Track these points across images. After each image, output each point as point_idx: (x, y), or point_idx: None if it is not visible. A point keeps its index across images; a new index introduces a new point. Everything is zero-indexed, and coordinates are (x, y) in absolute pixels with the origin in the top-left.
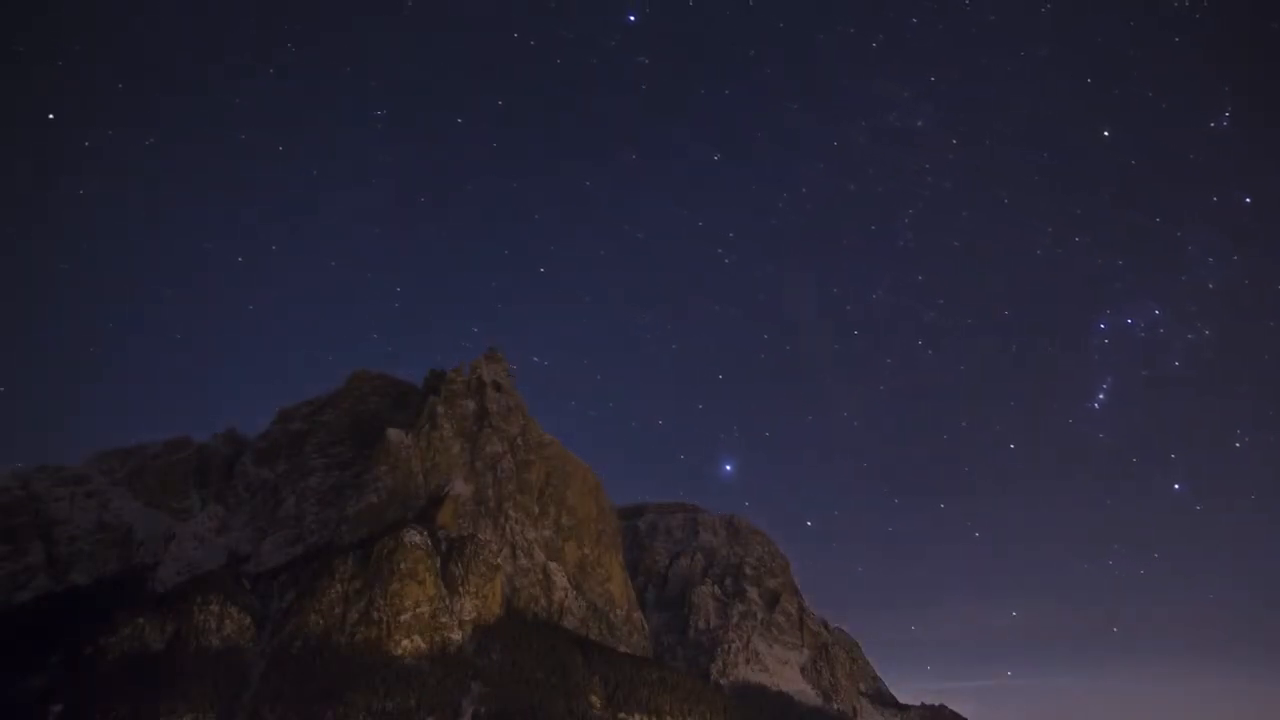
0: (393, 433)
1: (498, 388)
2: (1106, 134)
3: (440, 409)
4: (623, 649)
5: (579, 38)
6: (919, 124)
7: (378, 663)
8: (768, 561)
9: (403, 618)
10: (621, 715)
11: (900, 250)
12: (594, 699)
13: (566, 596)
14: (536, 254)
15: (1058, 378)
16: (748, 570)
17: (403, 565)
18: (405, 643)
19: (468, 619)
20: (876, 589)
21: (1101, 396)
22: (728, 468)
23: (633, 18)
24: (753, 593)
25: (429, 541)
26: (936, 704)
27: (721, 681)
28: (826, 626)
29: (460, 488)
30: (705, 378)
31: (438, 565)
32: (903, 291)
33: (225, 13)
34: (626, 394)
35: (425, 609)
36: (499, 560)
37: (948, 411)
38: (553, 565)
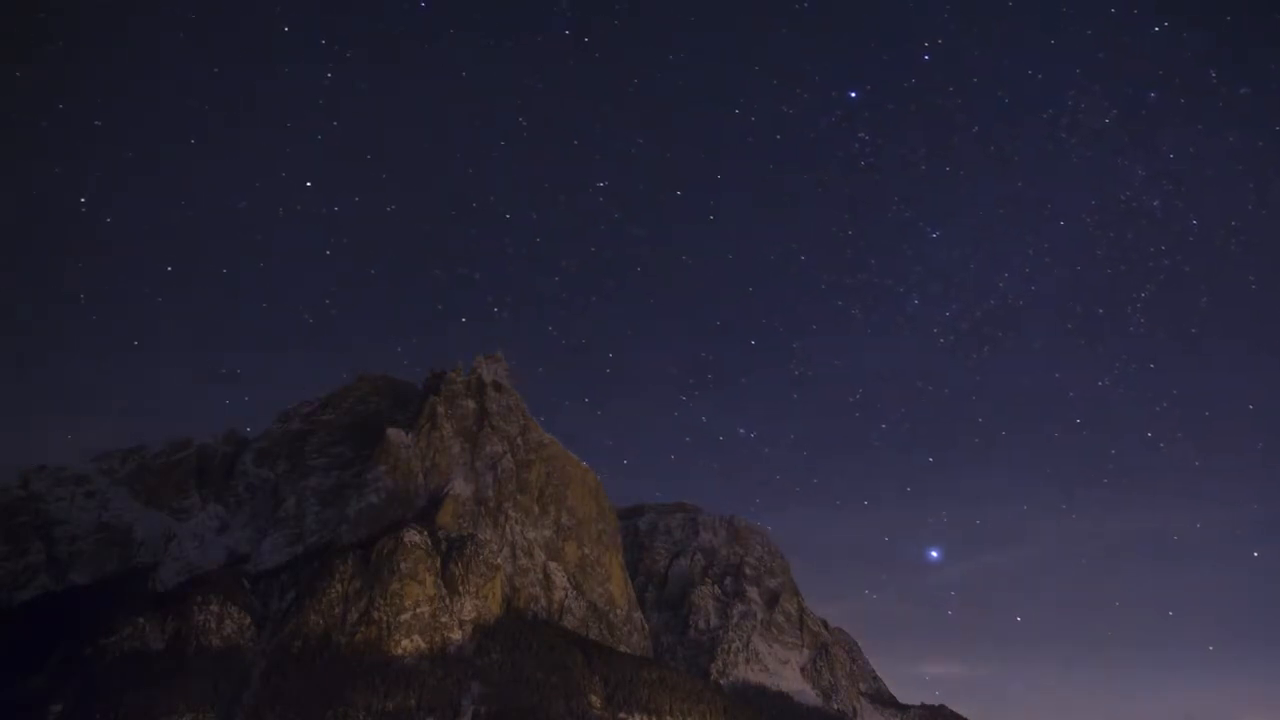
0: (393, 433)
1: (498, 388)
2: None
3: (440, 409)
4: (623, 649)
5: (799, 113)
6: (1155, 203)
7: (378, 663)
8: (767, 561)
9: (403, 618)
10: (621, 715)
11: (1130, 336)
12: (594, 699)
13: (566, 596)
14: (748, 326)
15: None
16: (748, 570)
17: (403, 565)
18: (405, 643)
19: (468, 619)
20: (1088, 703)
21: None
22: (934, 554)
23: (854, 94)
24: (752, 592)
25: (429, 541)
26: (936, 704)
27: (721, 681)
28: (826, 626)
29: (460, 488)
30: (915, 460)
31: (438, 565)
32: (1132, 380)
33: (456, 89)
34: (832, 472)
35: (425, 609)
36: (499, 560)
37: (1180, 512)
38: (553, 565)
